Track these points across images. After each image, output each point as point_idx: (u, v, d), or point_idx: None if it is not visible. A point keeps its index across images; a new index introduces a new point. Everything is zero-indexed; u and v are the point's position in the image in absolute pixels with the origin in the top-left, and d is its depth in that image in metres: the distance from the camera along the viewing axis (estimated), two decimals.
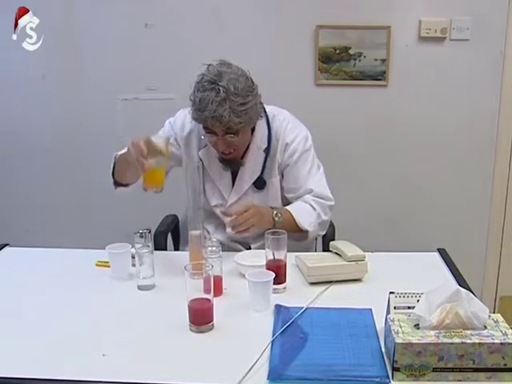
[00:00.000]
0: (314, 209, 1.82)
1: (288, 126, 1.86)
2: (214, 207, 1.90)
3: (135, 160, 1.52)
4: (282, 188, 1.89)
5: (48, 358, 1.21)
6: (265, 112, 1.85)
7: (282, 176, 1.87)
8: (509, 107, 2.67)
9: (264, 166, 1.85)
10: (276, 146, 1.84)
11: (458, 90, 2.66)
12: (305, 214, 1.80)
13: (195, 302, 1.31)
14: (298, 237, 1.81)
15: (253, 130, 1.82)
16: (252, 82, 1.72)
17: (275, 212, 1.75)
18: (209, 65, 1.71)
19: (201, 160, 1.84)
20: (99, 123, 2.77)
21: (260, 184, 1.86)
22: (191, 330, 1.31)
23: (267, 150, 1.84)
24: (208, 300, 1.31)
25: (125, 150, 1.67)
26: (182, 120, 1.89)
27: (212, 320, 1.32)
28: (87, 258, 1.73)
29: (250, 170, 1.85)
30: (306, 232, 1.80)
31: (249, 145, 1.83)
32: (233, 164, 1.84)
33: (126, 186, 1.80)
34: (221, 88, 1.62)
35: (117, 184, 1.83)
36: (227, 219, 1.66)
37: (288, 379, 1.11)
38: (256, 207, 1.72)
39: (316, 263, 1.57)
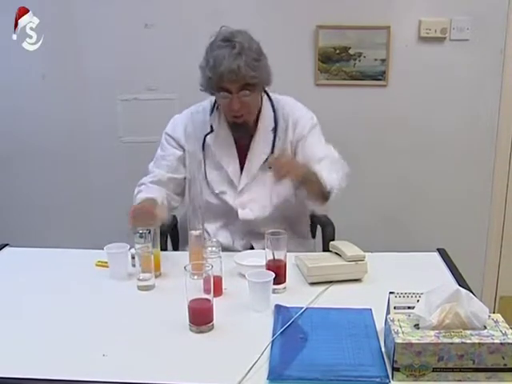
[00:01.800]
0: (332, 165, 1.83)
1: (295, 106, 1.92)
2: (222, 194, 1.88)
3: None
4: None
5: (48, 358, 1.21)
6: (268, 95, 1.89)
7: (295, 154, 1.88)
8: (509, 107, 2.67)
9: (273, 146, 1.86)
10: (285, 125, 1.87)
11: (458, 90, 2.66)
12: (329, 168, 1.80)
13: (195, 302, 1.31)
14: (316, 198, 1.79)
15: (259, 112, 1.86)
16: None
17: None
18: (220, 27, 1.75)
19: (203, 151, 1.86)
20: (99, 123, 2.77)
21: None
22: (191, 330, 1.31)
23: (275, 130, 1.86)
24: (208, 300, 1.31)
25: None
26: (174, 123, 1.93)
27: (212, 320, 1.32)
28: (87, 258, 1.73)
29: (260, 151, 1.86)
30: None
31: (257, 125, 1.86)
32: (244, 130, 1.83)
33: None
34: (236, 43, 1.67)
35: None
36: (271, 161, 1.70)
37: (288, 379, 1.11)
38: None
39: (316, 263, 1.57)
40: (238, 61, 1.66)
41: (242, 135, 1.85)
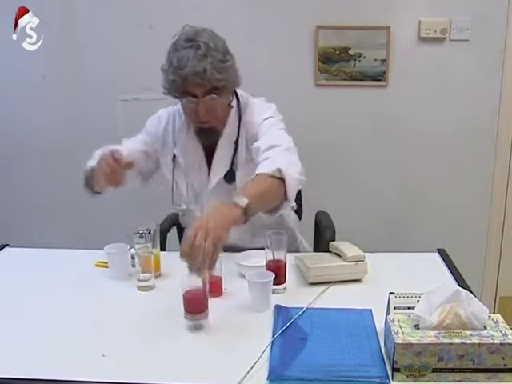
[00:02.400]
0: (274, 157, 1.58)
1: (256, 111, 1.76)
2: (188, 210, 1.81)
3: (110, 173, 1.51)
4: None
5: (48, 358, 1.21)
6: (238, 100, 1.78)
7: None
8: (509, 107, 2.67)
9: (233, 158, 1.75)
10: (246, 137, 1.75)
11: (458, 90, 2.66)
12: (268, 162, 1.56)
13: (189, 292, 1.31)
14: (277, 198, 1.52)
15: (226, 120, 1.75)
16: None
17: (236, 199, 1.38)
18: (183, 26, 1.65)
19: (174, 157, 1.79)
20: (99, 123, 2.77)
21: (230, 177, 1.74)
22: (186, 318, 1.31)
23: (236, 142, 1.75)
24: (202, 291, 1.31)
25: (93, 164, 1.66)
26: (158, 116, 1.88)
27: (206, 309, 1.32)
28: (87, 259, 1.73)
29: (221, 163, 1.75)
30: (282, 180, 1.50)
31: (222, 133, 1.76)
32: (210, 136, 1.74)
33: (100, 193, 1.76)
34: (201, 44, 1.57)
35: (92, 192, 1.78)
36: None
37: (288, 379, 1.11)
38: (208, 214, 1.36)
39: (316, 264, 1.57)
40: (203, 63, 1.56)
41: (210, 141, 1.76)
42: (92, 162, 1.70)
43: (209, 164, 1.79)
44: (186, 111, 1.73)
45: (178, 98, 1.70)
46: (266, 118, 1.74)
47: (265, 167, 1.53)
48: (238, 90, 1.79)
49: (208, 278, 1.33)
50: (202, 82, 1.58)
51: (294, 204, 1.61)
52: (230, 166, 1.75)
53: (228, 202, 1.39)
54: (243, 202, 1.37)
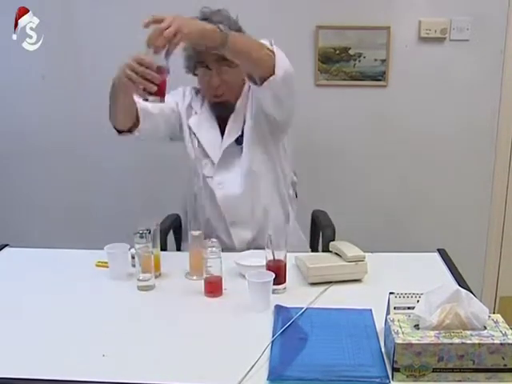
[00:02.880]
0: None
1: None
2: (209, 178, 1.90)
3: (141, 78, 1.48)
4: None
5: (48, 358, 1.21)
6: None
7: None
8: (509, 107, 2.67)
9: (243, 126, 1.86)
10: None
11: (458, 90, 2.66)
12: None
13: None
14: (262, 66, 1.64)
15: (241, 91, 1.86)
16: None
17: (219, 26, 1.53)
18: (202, 7, 1.77)
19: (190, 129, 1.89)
20: (99, 123, 2.76)
21: (241, 140, 1.86)
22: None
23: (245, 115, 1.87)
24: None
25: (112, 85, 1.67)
26: (183, 90, 1.95)
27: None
28: (87, 259, 1.73)
29: (234, 129, 1.87)
30: (272, 54, 1.62)
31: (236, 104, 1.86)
32: (224, 109, 1.85)
33: (129, 131, 1.81)
34: (214, 22, 1.63)
35: (119, 131, 1.83)
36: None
37: (288, 379, 1.11)
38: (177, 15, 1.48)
39: (316, 264, 1.57)
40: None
41: (224, 114, 1.87)
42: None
43: (222, 134, 1.88)
44: (202, 85, 1.83)
45: (195, 74, 1.80)
46: None
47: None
48: None
49: (162, 61, 1.43)
50: (214, 52, 1.61)
51: (281, 95, 1.73)
52: (242, 130, 1.86)
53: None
54: (226, 29, 1.51)
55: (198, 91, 1.94)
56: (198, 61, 1.74)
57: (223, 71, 1.73)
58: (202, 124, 1.91)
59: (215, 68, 1.72)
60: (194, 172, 1.94)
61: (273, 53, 1.63)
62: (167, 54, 1.44)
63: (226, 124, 1.88)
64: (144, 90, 1.49)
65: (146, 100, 1.54)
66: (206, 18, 1.71)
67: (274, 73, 1.63)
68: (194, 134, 1.91)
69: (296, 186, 2.14)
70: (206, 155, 1.91)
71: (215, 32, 1.50)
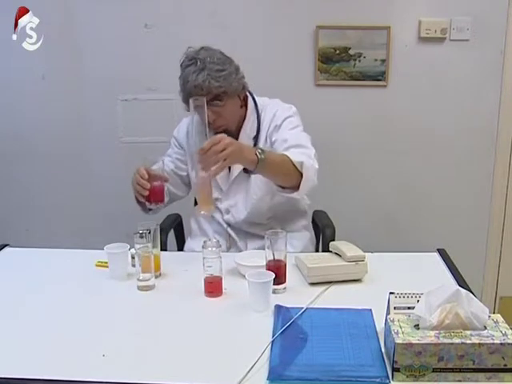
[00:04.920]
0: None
1: (276, 105, 1.93)
2: (216, 200, 1.93)
3: (137, 183, 1.68)
4: None
5: (48, 358, 1.21)
6: (255, 102, 1.93)
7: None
8: (509, 107, 2.67)
9: None
10: (266, 130, 1.90)
11: (458, 90, 2.66)
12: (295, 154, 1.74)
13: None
14: (289, 182, 1.72)
15: (243, 119, 1.90)
16: (230, 58, 1.85)
17: (259, 149, 1.63)
18: (187, 48, 1.84)
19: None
20: (99, 123, 2.77)
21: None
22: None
23: (256, 138, 1.90)
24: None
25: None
26: (179, 125, 2.03)
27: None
28: (87, 259, 1.74)
29: None
30: (300, 173, 1.69)
31: (239, 133, 1.90)
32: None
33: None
34: (198, 60, 1.76)
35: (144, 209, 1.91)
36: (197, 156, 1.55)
37: (288, 379, 1.11)
38: (232, 139, 1.60)
39: (316, 263, 1.57)
40: (201, 75, 1.73)
41: None
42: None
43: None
44: (201, 121, 1.84)
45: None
46: (290, 116, 1.89)
47: (292, 154, 1.70)
48: (254, 95, 1.95)
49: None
50: (203, 92, 1.73)
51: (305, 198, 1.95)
52: None
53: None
54: (261, 154, 1.60)
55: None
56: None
57: (215, 105, 1.77)
58: None
59: (208, 106, 1.73)
60: None
61: (300, 173, 1.70)
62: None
63: None
64: (146, 197, 1.71)
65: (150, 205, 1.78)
66: (190, 57, 1.78)
67: (297, 189, 1.73)
68: None
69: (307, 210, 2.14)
70: (215, 181, 1.91)
71: (254, 162, 1.61)
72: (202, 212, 1.67)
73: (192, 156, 1.93)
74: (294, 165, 1.68)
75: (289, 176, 1.71)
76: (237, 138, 1.87)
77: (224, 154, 1.52)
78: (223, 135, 1.57)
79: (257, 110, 1.92)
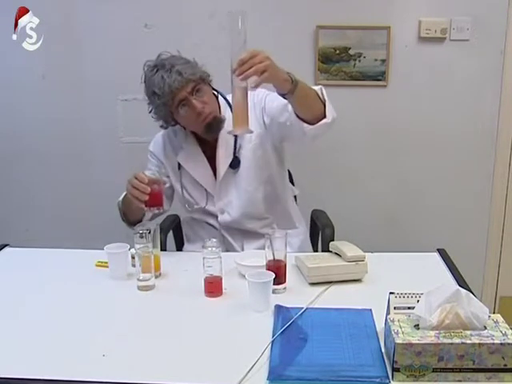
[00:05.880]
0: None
1: (255, 99, 1.88)
2: (205, 207, 1.95)
3: (135, 188, 1.66)
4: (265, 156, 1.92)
5: (48, 358, 1.21)
6: (225, 99, 1.92)
7: (269, 127, 1.88)
8: (509, 107, 2.67)
9: (235, 147, 1.90)
10: (256, 118, 1.87)
11: (458, 90, 2.66)
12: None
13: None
14: (315, 109, 1.73)
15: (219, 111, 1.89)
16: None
17: (287, 72, 1.64)
18: (145, 63, 1.85)
19: (179, 171, 1.95)
20: (99, 123, 2.77)
21: (235, 163, 1.90)
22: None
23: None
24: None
25: (124, 194, 1.81)
26: (154, 140, 2.02)
27: None
28: (87, 259, 1.74)
29: (224, 155, 1.90)
30: (323, 104, 1.73)
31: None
32: (218, 126, 1.85)
33: (139, 221, 1.88)
34: (163, 63, 1.79)
35: (130, 223, 1.91)
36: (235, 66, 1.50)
37: (288, 379, 1.11)
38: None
39: (316, 263, 1.57)
40: (174, 72, 1.75)
41: (209, 147, 1.92)
42: (122, 195, 1.86)
43: (210, 163, 1.93)
44: (189, 120, 1.84)
45: (174, 122, 1.87)
46: (267, 94, 1.87)
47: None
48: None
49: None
50: (183, 83, 1.76)
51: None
52: (233, 154, 1.89)
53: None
54: (292, 76, 1.62)
55: (175, 133, 1.97)
56: (176, 99, 1.77)
57: (198, 96, 1.79)
58: (189, 158, 1.94)
59: (191, 94, 1.79)
60: (188, 203, 1.98)
61: (323, 101, 1.73)
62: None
63: (212, 153, 1.92)
64: (145, 202, 1.69)
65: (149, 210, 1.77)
66: (152, 66, 1.81)
67: (324, 116, 1.72)
68: (184, 168, 1.96)
69: (297, 198, 2.18)
70: (201, 187, 1.95)
71: (288, 82, 1.61)
72: (238, 132, 1.60)
73: (173, 168, 1.96)
74: (315, 93, 1.71)
75: (316, 101, 1.71)
76: (217, 138, 1.89)
77: (263, 64, 1.49)
78: (261, 50, 1.54)
79: (226, 99, 1.91)
